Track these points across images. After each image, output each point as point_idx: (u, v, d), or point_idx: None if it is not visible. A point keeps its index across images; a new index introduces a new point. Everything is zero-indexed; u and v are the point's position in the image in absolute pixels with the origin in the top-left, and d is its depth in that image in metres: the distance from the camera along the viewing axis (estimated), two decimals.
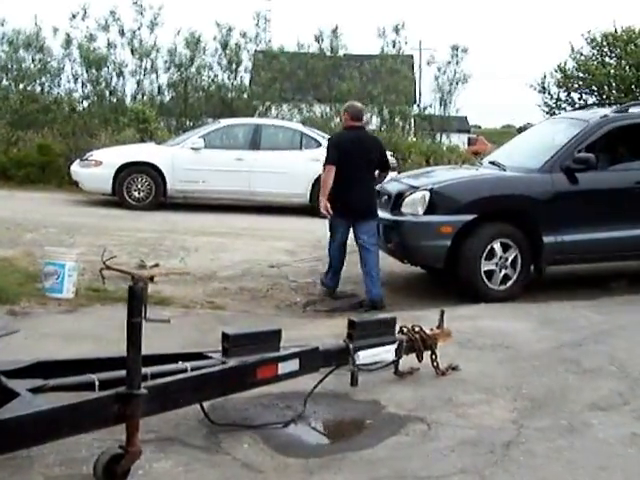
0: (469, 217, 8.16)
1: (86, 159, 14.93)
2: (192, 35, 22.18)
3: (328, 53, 22.28)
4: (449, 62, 22.59)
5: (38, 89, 21.54)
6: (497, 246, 8.26)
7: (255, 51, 23.41)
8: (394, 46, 22.78)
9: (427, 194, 8.26)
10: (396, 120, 22.20)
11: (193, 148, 14.67)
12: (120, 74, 21.54)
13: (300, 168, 14.66)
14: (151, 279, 8.52)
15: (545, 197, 8.37)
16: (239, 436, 4.40)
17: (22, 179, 17.92)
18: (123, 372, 3.76)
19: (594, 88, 26.53)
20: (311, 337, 6.56)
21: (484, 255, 8.20)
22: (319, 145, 14.90)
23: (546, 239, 8.32)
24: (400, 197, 8.53)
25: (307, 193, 14.73)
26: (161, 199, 14.69)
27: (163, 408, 4.02)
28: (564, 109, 28.44)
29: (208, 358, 4.50)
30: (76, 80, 21.80)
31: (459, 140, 31.74)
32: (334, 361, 5.03)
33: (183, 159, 14.62)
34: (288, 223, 13.81)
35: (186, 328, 6.80)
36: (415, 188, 8.52)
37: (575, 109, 18.74)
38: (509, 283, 8.35)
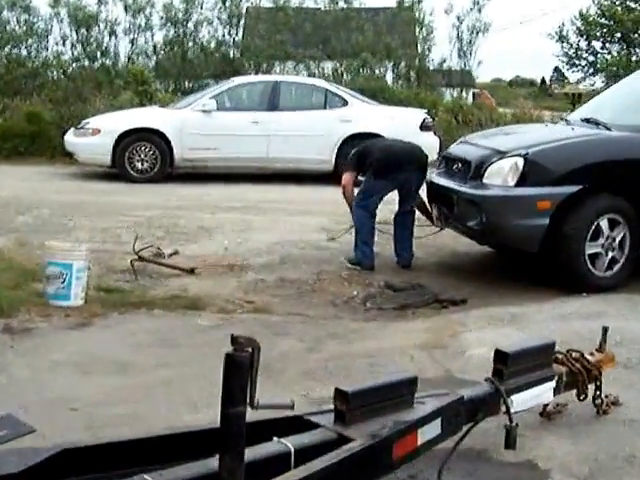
0: (573, 189, 6.59)
1: (82, 127, 13.23)
2: None
3: (342, 4, 20.45)
4: (470, 9, 20.74)
5: (24, 53, 19.78)
6: (604, 223, 6.72)
7: (248, 8, 21.63)
8: None
9: (520, 161, 6.65)
10: (411, 74, 20.49)
11: (204, 110, 12.97)
12: (112, 33, 19.80)
13: (324, 130, 13.02)
14: (192, 271, 7.01)
15: None
16: None
17: (9, 152, 16.02)
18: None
19: (618, 35, 24.90)
20: (392, 350, 5.04)
21: (589, 235, 6.64)
22: (345, 103, 13.27)
23: None
24: (482, 165, 6.92)
25: (332, 159, 13.12)
26: (167, 170, 13.03)
27: None
28: (585, 59, 27.05)
29: (313, 426, 2.92)
30: (64, 42, 20.08)
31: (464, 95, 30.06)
32: (481, 413, 3.44)
33: (192, 123, 12.94)
34: (313, 193, 12.18)
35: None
36: (502, 153, 6.90)
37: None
38: (616, 268, 6.83)
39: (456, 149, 7.87)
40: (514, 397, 3.51)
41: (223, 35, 20.65)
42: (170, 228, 9.07)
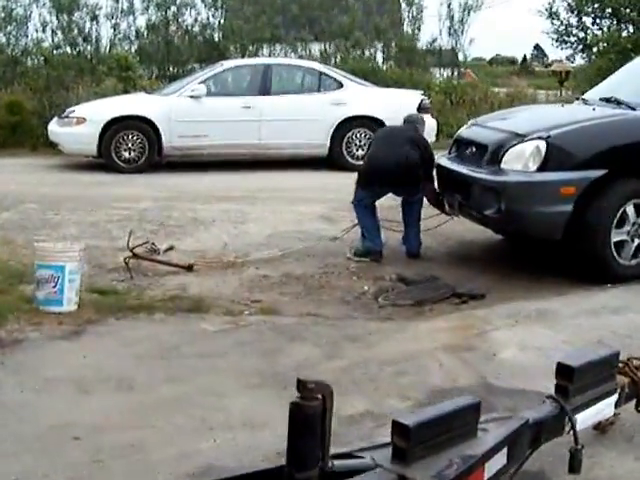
0: (598, 173, 6.16)
1: (66, 116, 12.64)
2: None
3: None
4: None
5: (3, 40, 19.06)
6: (630, 209, 6.32)
7: None
8: None
9: (542, 144, 6.21)
10: (401, 55, 19.95)
11: (193, 96, 12.41)
12: (94, 18, 19.07)
13: (318, 114, 12.53)
14: (190, 268, 6.56)
15: None
16: None
17: None
18: None
19: (609, 11, 24.44)
20: (417, 354, 4.63)
21: (614, 222, 6.23)
22: (340, 86, 12.77)
23: None
24: (500, 149, 6.48)
25: (327, 143, 12.65)
26: (156, 159, 12.49)
27: None
28: (575, 35, 26.58)
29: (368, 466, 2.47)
30: (45, 28, 19.35)
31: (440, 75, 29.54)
32: (545, 435, 3.01)
33: (181, 110, 12.36)
34: (309, 180, 11.71)
35: (242, 350, 4.78)
36: (521, 136, 6.45)
37: None
38: None
39: (468, 132, 7.43)
40: (578, 415, 3.09)
41: (208, 18, 20.03)
42: (163, 221, 8.60)
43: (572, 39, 26.87)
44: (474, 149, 6.91)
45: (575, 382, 3.06)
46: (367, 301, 6.17)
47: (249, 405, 3.89)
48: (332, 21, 19.80)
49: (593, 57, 26.54)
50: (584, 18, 25.24)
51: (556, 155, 6.21)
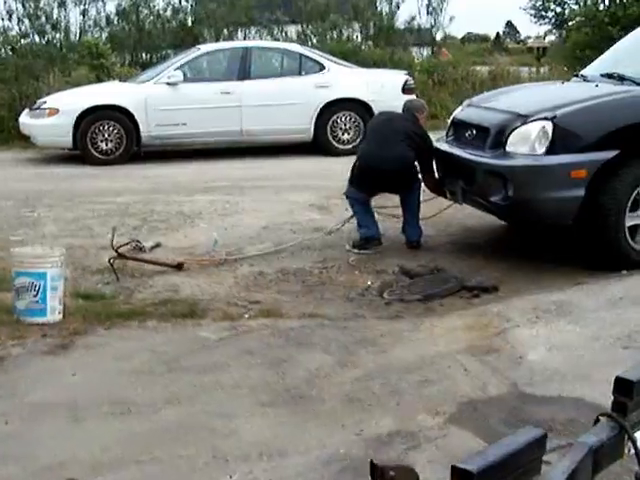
0: (609, 154, 5.79)
1: (38, 107, 12.09)
2: None
3: None
4: None
5: None
6: None
7: None
8: None
9: (549, 125, 5.83)
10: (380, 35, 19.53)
11: (169, 83, 11.92)
12: (62, 5, 18.49)
13: (301, 98, 12.06)
14: (179, 267, 6.17)
15: None
16: None
17: None
18: None
19: None
20: (437, 358, 4.27)
21: (628, 205, 5.88)
22: (322, 68, 12.32)
23: None
24: (503, 131, 6.11)
25: (311, 127, 12.18)
26: (134, 149, 12.00)
27: None
28: (553, 10, 26.38)
29: None
30: (11, 17, 18.76)
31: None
32: (605, 460, 2.64)
33: (158, 98, 11.86)
34: (295, 166, 11.28)
35: (246, 361, 4.38)
36: (524, 117, 6.07)
37: None
38: None
39: (465, 114, 7.04)
40: (638, 434, 2.72)
41: (180, 2, 19.52)
42: (147, 216, 8.18)
43: (550, 14, 26.68)
44: (474, 132, 6.52)
45: (635, 397, 2.69)
46: (372, 297, 5.79)
47: (262, 428, 3.50)
48: (308, 2, 19.32)
49: (567, 33, 26.36)
50: None
51: (564, 136, 5.84)
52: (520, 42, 54.35)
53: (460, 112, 7.26)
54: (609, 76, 6.80)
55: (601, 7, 25.43)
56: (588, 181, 5.80)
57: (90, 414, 3.64)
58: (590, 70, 7.50)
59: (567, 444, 2.58)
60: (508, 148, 6.06)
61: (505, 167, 5.98)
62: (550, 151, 5.84)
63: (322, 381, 4.01)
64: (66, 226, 7.77)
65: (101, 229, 7.58)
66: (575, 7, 25.39)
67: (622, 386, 2.71)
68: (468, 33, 67.76)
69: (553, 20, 26.86)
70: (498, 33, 58.73)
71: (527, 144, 5.95)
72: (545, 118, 5.91)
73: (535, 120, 5.97)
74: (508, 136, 6.07)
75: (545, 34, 28.78)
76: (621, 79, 6.62)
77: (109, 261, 6.20)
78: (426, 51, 20.60)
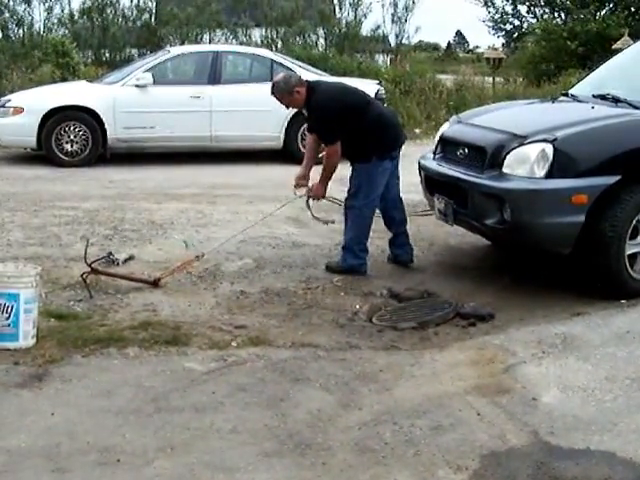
0: (611, 179, 5.58)
1: (2, 105, 11.73)
2: None
3: None
4: None
5: None
6: None
7: None
8: None
9: (549, 148, 5.59)
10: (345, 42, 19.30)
11: (138, 85, 11.60)
12: (26, 1, 17.97)
13: (271, 104, 11.55)
14: (155, 283, 5.84)
15: None
16: None
17: None
18: None
19: None
20: (445, 399, 4.05)
21: (628, 233, 5.67)
22: None
23: None
24: (500, 152, 5.86)
25: (281, 135, 11.98)
26: (100, 152, 11.63)
27: None
28: (511, 23, 26.53)
29: None
30: None
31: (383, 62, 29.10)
32: None
33: (126, 100, 11.55)
34: (266, 174, 10.95)
35: (241, 400, 4.04)
36: (521, 137, 5.84)
37: None
38: None
39: (454, 131, 6.75)
40: None
41: (144, 2, 19.09)
42: (117, 224, 7.82)
43: (507, 27, 26.83)
44: (466, 150, 6.26)
45: None
46: (362, 323, 5.49)
47: None
48: (273, 7, 19.02)
49: (522, 45, 26.55)
50: (519, 6, 25.24)
51: (565, 160, 5.60)
52: (469, 52, 54.71)
53: (449, 129, 6.98)
54: (602, 97, 6.58)
55: (559, 21, 25.66)
56: (589, 207, 5.59)
57: (73, 465, 3.26)
58: (580, 90, 7.26)
59: None
60: (504, 169, 5.81)
61: (502, 189, 5.73)
62: (550, 174, 5.61)
63: (326, 425, 3.70)
64: (32, 233, 7.39)
65: (69, 238, 7.23)
66: (533, 21, 25.59)
67: None
68: (420, 41, 68.66)
69: (510, 33, 27.08)
70: (449, 42, 59.24)
71: (525, 166, 5.71)
72: (545, 140, 5.67)
73: (534, 142, 5.74)
74: (505, 157, 5.83)
75: (503, 45, 28.87)
76: (615, 101, 6.41)
77: (82, 276, 5.83)
78: (383, 59, 20.38)
